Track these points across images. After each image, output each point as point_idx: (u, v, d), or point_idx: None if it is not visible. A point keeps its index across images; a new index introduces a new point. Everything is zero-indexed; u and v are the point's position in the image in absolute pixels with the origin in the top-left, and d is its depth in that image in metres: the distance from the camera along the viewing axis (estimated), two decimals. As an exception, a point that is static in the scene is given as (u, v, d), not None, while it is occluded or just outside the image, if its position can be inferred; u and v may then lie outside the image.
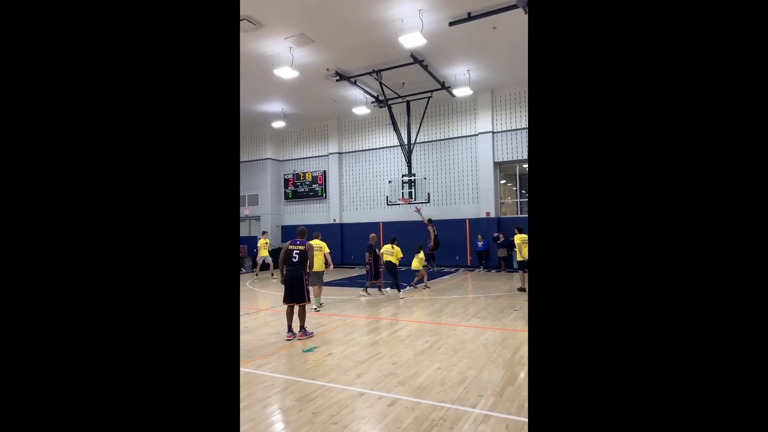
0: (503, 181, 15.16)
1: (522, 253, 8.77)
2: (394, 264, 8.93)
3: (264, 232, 14.52)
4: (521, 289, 9.10)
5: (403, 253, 9.34)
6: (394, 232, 15.48)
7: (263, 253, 13.37)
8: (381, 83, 12.63)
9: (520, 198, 14.84)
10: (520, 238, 8.88)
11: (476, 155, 14.49)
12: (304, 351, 4.88)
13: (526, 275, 8.82)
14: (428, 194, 13.86)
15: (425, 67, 11.80)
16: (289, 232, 17.85)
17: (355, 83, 12.89)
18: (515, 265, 13.22)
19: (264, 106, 15.29)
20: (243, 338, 5.53)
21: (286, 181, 18.29)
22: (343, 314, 7.13)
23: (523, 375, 3.90)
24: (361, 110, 14.41)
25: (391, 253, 8.96)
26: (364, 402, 3.37)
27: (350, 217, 16.87)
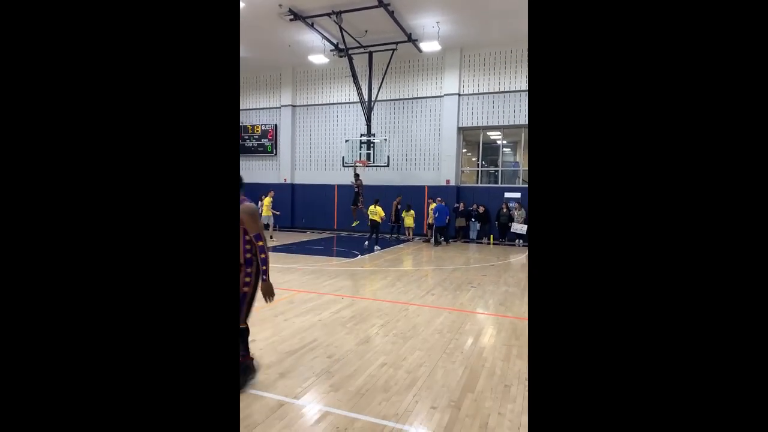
0: (464, 150, 14.47)
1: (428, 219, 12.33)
2: (378, 222, 10.86)
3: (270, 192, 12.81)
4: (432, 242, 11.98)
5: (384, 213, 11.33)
6: (350, 195, 14.61)
7: (267, 212, 11.86)
8: (341, 28, 11.24)
9: (481, 167, 14.26)
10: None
11: (440, 118, 13.61)
12: (220, 336, 3.96)
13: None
14: (387, 157, 12.92)
15: (391, 13, 10.55)
16: (235, 191, 16.41)
17: (312, 26, 11.42)
18: (471, 235, 12.86)
19: (207, 45, 13.38)
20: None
21: (233, 133, 16.59)
22: (281, 287, 6.22)
23: (485, 378, 3.23)
24: (319, 59, 12.97)
25: (374, 212, 10.83)
26: (280, 418, 2.54)
27: (303, 178, 15.67)
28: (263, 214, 12.13)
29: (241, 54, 14.08)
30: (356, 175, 12.22)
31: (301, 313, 4.82)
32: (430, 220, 12.09)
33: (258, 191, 14.32)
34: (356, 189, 12.01)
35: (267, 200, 12.17)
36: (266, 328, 4.25)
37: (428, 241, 12.28)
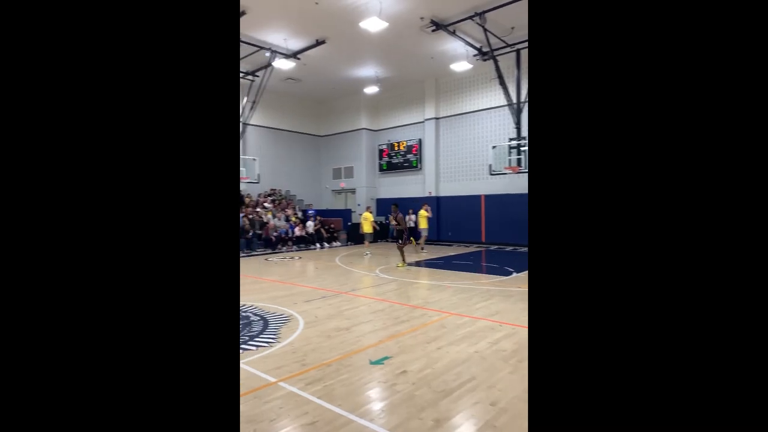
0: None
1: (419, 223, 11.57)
2: None
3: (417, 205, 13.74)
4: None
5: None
6: (500, 205, 13.66)
7: (423, 224, 12.52)
8: (485, 29, 10.60)
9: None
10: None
11: (606, 112, 11.66)
12: (371, 363, 3.70)
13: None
14: (541, 162, 11.59)
15: (542, 1, 9.46)
16: (384, 206, 17.01)
17: (453, 33, 11.07)
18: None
19: (356, 71, 14.28)
20: (303, 333, 4.58)
21: (381, 152, 17.34)
22: (429, 308, 5.82)
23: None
24: (462, 66, 12.54)
25: None
26: (440, 490, 2.04)
27: (447, 190, 15.32)
28: (420, 227, 12.48)
29: (386, 73, 14.60)
30: (394, 208, 10.53)
31: (455, 341, 4.29)
32: None
33: (405, 206, 14.48)
34: (395, 225, 10.30)
35: (422, 212, 12.51)
36: (419, 357, 3.84)
37: None
